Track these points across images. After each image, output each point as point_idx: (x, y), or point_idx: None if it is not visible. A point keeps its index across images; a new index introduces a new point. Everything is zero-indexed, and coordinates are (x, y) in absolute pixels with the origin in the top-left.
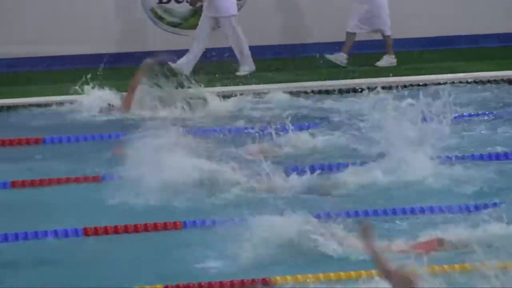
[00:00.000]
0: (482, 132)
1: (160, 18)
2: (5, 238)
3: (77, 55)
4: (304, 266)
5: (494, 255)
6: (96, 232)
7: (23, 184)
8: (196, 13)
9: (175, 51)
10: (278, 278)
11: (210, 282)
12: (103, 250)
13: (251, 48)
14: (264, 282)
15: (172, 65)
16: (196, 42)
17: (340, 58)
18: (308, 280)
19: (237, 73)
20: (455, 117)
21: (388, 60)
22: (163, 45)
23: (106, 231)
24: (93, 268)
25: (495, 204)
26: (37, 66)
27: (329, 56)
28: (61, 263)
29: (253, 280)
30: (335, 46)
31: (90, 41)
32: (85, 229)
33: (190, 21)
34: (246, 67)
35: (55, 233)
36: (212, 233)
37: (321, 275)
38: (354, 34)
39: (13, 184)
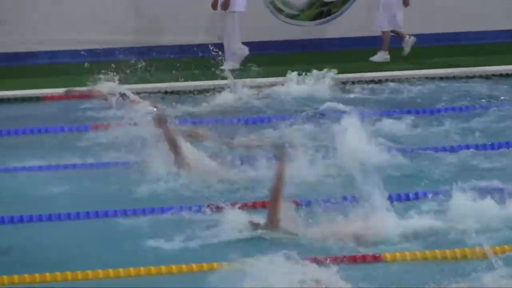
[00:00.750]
0: None
1: (279, 10)
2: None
3: (191, 44)
4: None
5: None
6: None
7: None
8: (313, 5)
9: (291, 41)
10: (387, 254)
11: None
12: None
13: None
14: (375, 258)
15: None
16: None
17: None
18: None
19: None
20: None
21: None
22: (282, 36)
23: None
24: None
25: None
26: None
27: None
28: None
29: (363, 256)
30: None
31: (211, 31)
32: None
33: (306, 12)
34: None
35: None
36: None
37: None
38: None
39: None
